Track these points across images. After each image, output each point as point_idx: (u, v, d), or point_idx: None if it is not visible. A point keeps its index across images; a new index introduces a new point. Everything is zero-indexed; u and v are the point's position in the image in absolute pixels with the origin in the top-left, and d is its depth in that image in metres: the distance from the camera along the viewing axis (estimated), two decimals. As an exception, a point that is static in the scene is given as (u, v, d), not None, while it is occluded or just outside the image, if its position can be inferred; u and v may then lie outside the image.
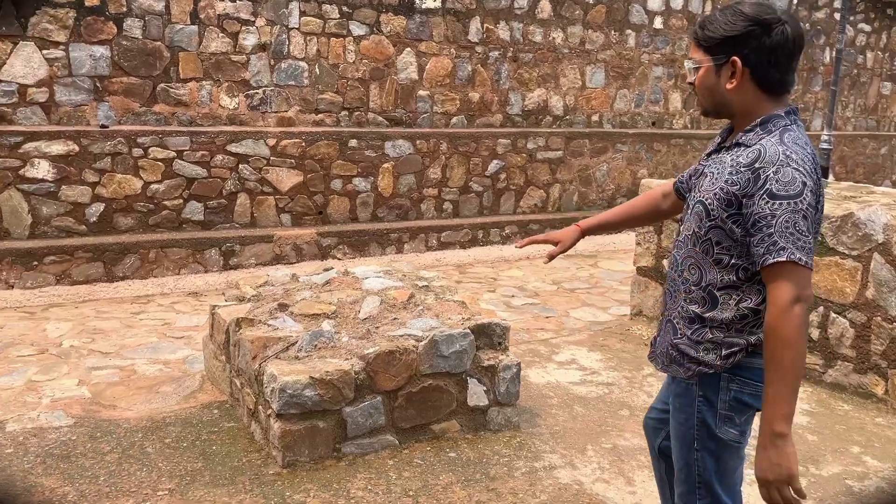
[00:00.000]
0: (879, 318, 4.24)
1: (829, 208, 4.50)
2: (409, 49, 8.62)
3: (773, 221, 1.78)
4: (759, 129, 1.91)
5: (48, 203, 6.89)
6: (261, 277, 4.43)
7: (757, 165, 1.83)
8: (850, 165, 12.53)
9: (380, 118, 8.62)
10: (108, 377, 4.57)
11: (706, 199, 1.93)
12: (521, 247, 2.53)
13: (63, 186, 6.93)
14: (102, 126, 7.18)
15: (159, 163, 7.27)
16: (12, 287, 6.60)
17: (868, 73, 12.72)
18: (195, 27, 7.46)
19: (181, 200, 7.42)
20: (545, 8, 9.38)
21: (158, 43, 7.33)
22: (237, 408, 3.80)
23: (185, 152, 7.36)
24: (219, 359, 4.06)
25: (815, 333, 4.55)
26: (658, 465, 2.40)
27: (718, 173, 1.93)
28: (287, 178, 7.88)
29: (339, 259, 7.94)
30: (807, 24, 11.80)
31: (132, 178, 7.19)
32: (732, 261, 1.92)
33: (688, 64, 2.02)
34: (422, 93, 8.80)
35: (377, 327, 3.72)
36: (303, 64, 8.08)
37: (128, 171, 7.16)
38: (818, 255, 4.50)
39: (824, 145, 10.07)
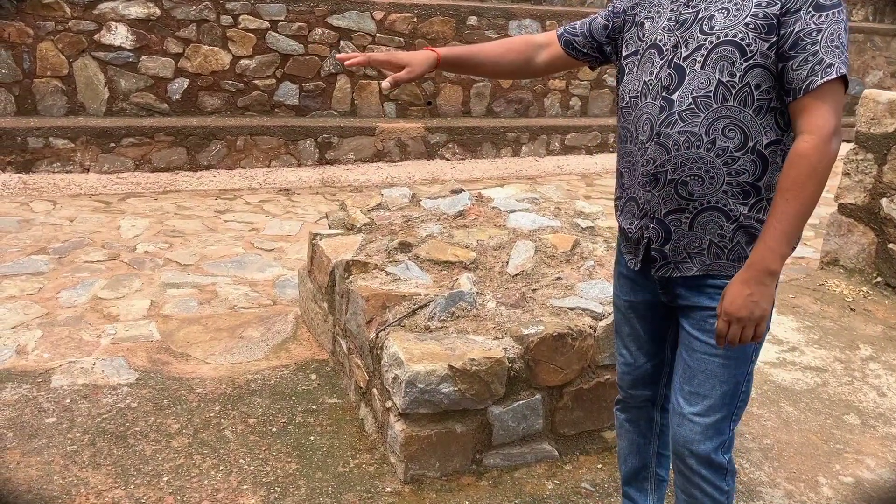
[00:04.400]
0: None
1: None
2: None
3: (819, 37, 1.52)
4: None
5: (126, 75, 6.02)
6: (372, 198, 3.43)
7: None
8: None
9: (505, -8, 7.26)
10: (184, 300, 3.78)
11: (737, 36, 1.57)
12: (347, 63, 1.87)
13: (143, 57, 6.03)
14: (187, -13, 6.16)
15: (250, 34, 6.24)
16: (88, 171, 5.87)
17: None
18: None
19: (274, 80, 6.42)
20: None
21: None
22: (341, 375, 2.92)
23: (279, 23, 6.29)
24: (319, 304, 3.15)
25: None
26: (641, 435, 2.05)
27: (736, 5, 1.59)
28: (394, 60, 6.73)
29: (448, 159, 6.88)
30: None
31: (220, 52, 6.21)
32: (773, 104, 1.60)
33: None
34: (557, -38, 7.35)
35: (534, 290, 2.70)
36: (419, -80, 6.73)
37: (215, 43, 6.18)
38: None
39: None
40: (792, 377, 3.30)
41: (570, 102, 7.58)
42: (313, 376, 2.96)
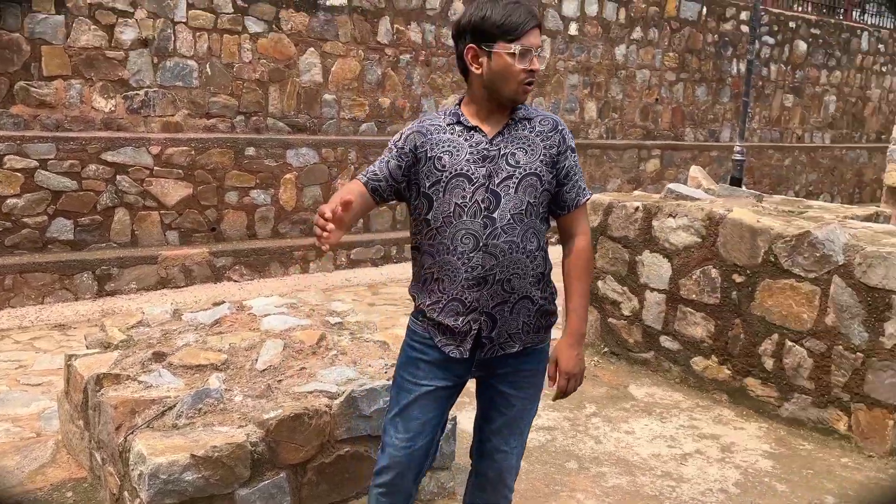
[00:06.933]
0: (841, 347, 3.87)
1: (780, 226, 4.12)
2: (312, 49, 7.88)
3: (576, 169, 2.21)
4: (523, 104, 2.21)
5: None
6: (133, 316, 3.61)
7: (560, 127, 2.19)
8: (757, 176, 12.65)
9: (281, 124, 7.82)
10: (-66, 444, 3.62)
11: (537, 170, 2.14)
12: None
13: None
14: (-54, 129, 6.09)
15: (17, 173, 6.23)
16: None
17: (772, 85, 12.91)
18: (61, 17, 6.47)
19: (45, 217, 6.39)
20: (458, 9, 8.86)
21: (16, 34, 6.30)
22: (98, 489, 2.99)
23: (49, 161, 6.35)
24: (76, 423, 3.22)
25: (769, 363, 4.15)
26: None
27: (530, 146, 2.15)
28: (174, 191, 6.97)
29: (236, 281, 7.09)
30: (714, 36, 11.82)
31: (-16, 191, 6.11)
32: (546, 215, 2.22)
33: (539, 52, 2.15)
34: (327, 97, 8.07)
35: (279, 381, 3.00)
36: (192, 63, 7.19)
37: (-21, 183, 6.08)
38: (772, 278, 4.11)
39: (737, 156, 10.02)
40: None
41: (352, 221, 8.15)
42: (69, 493, 2.99)
